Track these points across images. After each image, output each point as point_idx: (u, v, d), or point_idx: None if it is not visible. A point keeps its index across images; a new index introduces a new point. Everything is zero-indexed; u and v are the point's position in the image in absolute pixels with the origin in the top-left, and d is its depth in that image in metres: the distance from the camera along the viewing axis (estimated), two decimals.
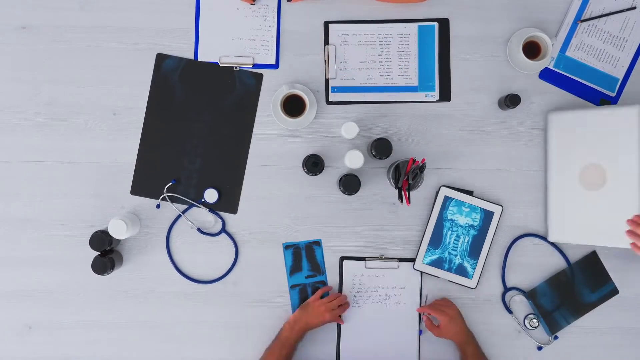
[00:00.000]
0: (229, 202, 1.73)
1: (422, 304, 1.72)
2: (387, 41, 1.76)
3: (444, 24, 1.75)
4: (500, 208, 1.73)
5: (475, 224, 1.73)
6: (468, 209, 1.73)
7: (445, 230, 1.73)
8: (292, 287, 1.74)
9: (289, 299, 1.74)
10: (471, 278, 1.73)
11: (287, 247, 1.74)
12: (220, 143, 1.73)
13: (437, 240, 1.73)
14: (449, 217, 1.73)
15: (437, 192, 1.73)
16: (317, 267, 1.74)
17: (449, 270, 1.73)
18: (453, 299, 1.73)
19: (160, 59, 1.73)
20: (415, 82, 1.75)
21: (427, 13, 1.75)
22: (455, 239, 1.73)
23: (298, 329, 1.65)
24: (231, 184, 1.73)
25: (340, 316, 1.72)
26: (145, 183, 1.73)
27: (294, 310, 1.72)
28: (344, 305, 1.70)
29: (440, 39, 1.76)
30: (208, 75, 1.73)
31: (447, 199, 1.73)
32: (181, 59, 1.73)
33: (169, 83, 1.73)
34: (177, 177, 1.72)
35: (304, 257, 1.74)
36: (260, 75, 1.74)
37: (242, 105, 1.74)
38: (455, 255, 1.73)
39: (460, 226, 1.73)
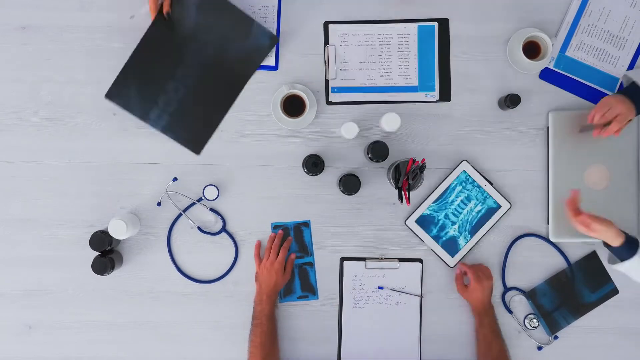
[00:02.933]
0: (196, 140, 1.72)
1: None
2: (387, 41, 1.76)
3: (443, 23, 1.75)
4: (508, 205, 1.74)
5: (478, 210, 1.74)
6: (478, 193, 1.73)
7: (452, 191, 1.73)
8: None
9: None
10: (453, 257, 1.73)
11: (275, 227, 1.74)
12: (210, 82, 1.71)
13: (440, 199, 1.74)
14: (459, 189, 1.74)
15: (457, 165, 1.73)
16: (305, 248, 1.74)
17: (437, 238, 1.73)
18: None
19: None
20: (415, 82, 1.75)
21: (427, 13, 1.75)
22: (461, 203, 1.72)
23: (265, 298, 1.65)
24: (205, 124, 1.72)
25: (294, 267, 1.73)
26: (123, 90, 1.70)
27: (280, 293, 1.73)
28: (289, 257, 1.69)
29: (440, 39, 1.75)
30: (227, 14, 1.70)
31: (465, 175, 1.73)
32: None
33: (187, 4, 1.69)
34: (157, 97, 1.70)
35: (292, 238, 1.74)
36: (276, 39, 1.72)
37: (246, 57, 1.72)
38: (454, 224, 1.73)
39: (470, 199, 1.73)
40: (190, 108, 1.72)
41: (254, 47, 1.71)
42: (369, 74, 1.76)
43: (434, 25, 1.75)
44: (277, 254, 1.69)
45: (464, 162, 1.73)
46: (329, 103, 1.75)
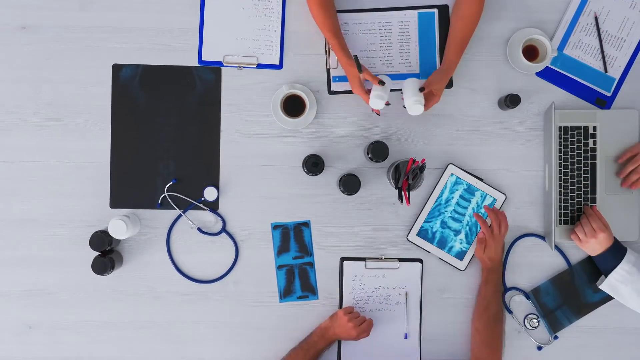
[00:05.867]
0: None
1: None
2: (387, 29, 1.76)
3: (443, 10, 1.75)
4: (503, 196, 1.73)
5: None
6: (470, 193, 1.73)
7: (447, 193, 1.73)
8: (279, 267, 1.74)
9: (276, 282, 1.74)
10: (462, 260, 1.73)
11: (275, 227, 1.74)
12: (190, 142, 1.73)
13: (436, 210, 1.74)
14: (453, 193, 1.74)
15: (444, 170, 1.74)
16: (305, 249, 1.74)
17: (441, 246, 1.73)
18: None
19: (117, 69, 1.72)
20: (417, 69, 1.75)
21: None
22: (461, 207, 1.73)
23: (328, 337, 1.67)
24: (208, 181, 1.73)
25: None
26: (124, 194, 1.72)
27: (280, 293, 1.73)
28: (369, 328, 1.69)
29: (440, 25, 1.75)
30: (167, 77, 1.73)
31: (454, 178, 1.73)
32: (137, 66, 1.72)
33: (129, 92, 1.72)
34: (155, 182, 1.72)
35: (292, 237, 1.74)
36: (219, 70, 1.73)
37: (205, 101, 1.73)
38: (460, 225, 1.72)
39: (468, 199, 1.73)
40: (187, 171, 1.73)
41: (205, 88, 1.72)
42: (370, 62, 1.75)
43: (434, 12, 1.75)
44: (363, 327, 1.67)
45: (450, 165, 1.73)
46: (330, 92, 1.74)
